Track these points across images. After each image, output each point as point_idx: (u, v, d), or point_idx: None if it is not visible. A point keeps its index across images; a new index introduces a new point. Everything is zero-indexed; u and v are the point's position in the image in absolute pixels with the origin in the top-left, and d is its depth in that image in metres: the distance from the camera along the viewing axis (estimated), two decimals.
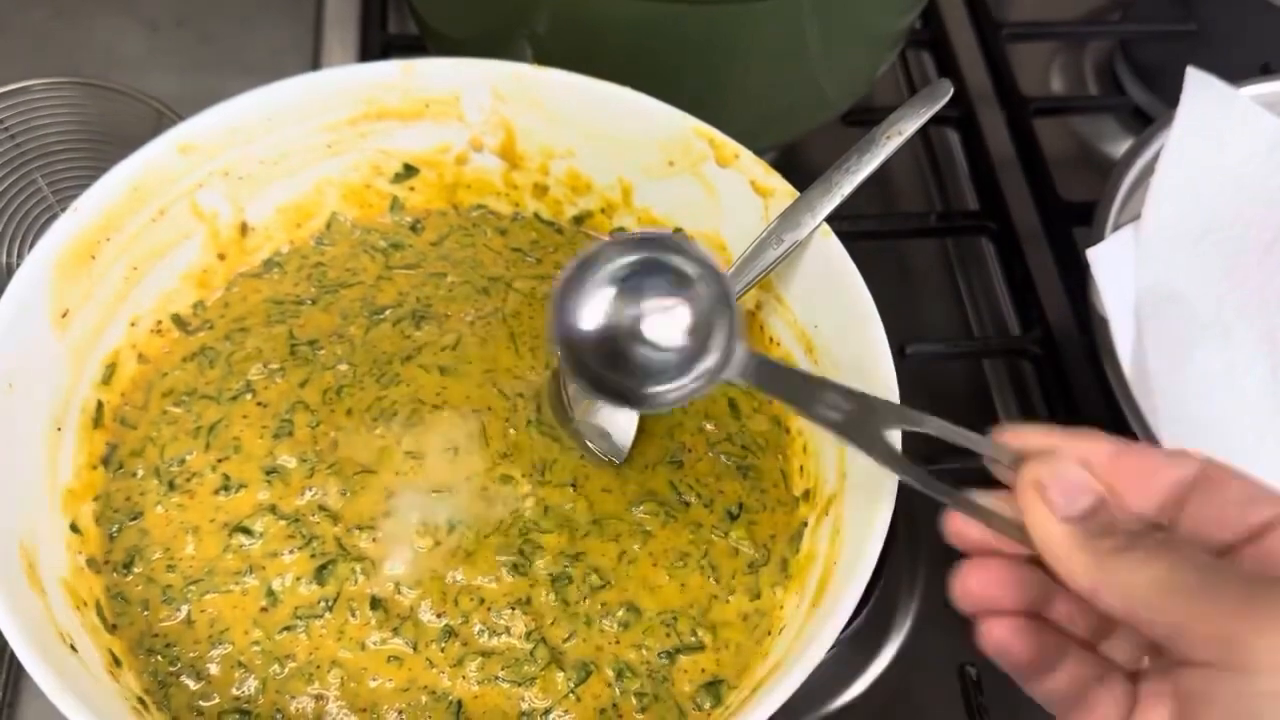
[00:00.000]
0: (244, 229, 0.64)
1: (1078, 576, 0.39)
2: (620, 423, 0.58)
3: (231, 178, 0.62)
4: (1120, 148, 0.91)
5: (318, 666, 0.52)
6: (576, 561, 0.55)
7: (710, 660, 0.54)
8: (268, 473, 0.57)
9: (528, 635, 0.53)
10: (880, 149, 0.58)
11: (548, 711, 0.52)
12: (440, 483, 0.57)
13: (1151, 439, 0.63)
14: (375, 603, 0.53)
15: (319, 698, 0.52)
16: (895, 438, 0.45)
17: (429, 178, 0.67)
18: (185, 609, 0.53)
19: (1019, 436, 0.42)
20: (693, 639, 0.54)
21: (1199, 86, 0.73)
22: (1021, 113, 0.87)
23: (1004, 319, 0.83)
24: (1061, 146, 0.93)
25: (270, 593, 0.54)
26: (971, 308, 0.85)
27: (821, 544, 0.54)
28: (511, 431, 0.59)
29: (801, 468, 0.59)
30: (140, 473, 0.57)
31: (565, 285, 0.46)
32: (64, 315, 0.56)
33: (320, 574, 0.54)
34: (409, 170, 0.66)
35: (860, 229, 0.78)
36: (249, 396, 0.59)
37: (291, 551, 0.55)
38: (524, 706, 0.52)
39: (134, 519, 0.56)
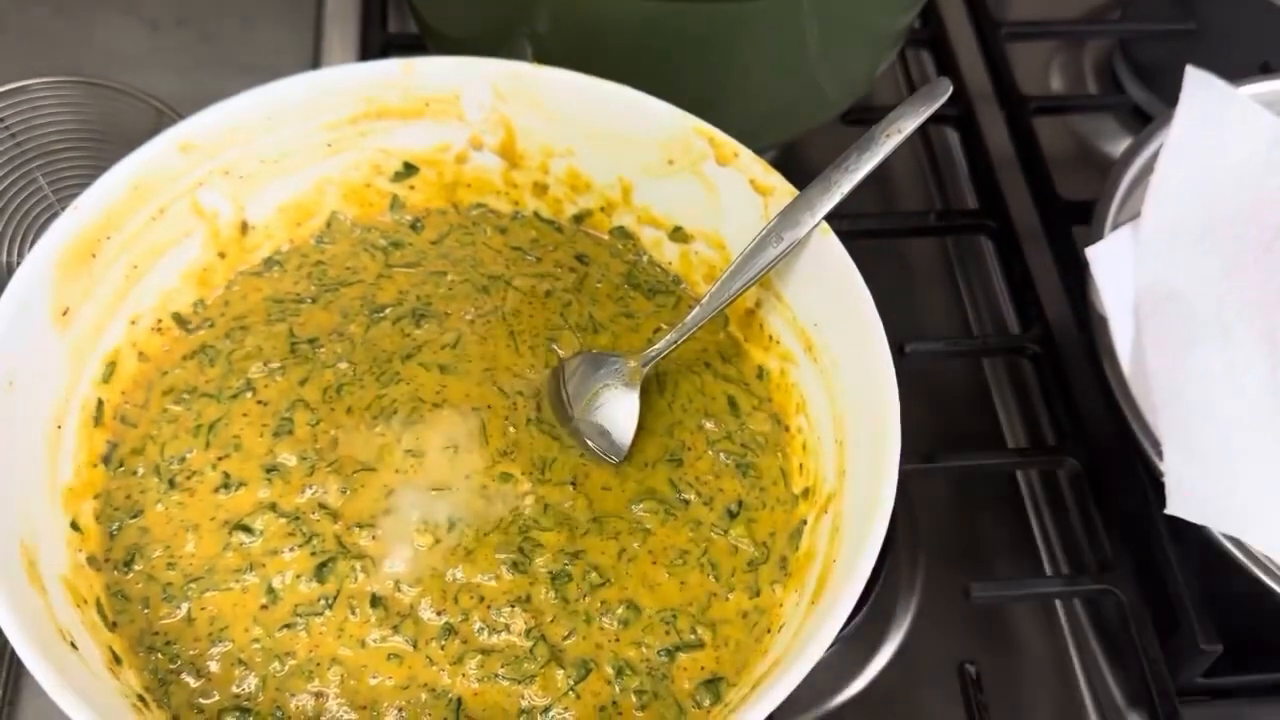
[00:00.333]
0: (244, 227, 0.64)
1: None
2: (620, 421, 0.59)
3: (232, 176, 0.62)
4: (1119, 146, 0.91)
5: (318, 664, 0.52)
6: (576, 559, 0.55)
7: (710, 658, 0.54)
8: (268, 471, 0.57)
9: (527, 633, 0.53)
10: (880, 148, 0.59)
11: (547, 709, 0.52)
12: (440, 481, 0.57)
13: (1151, 437, 0.63)
14: (375, 600, 0.53)
15: (319, 695, 0.52)
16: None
17: (429, 176, 0.67)
18: (185, 606, 0.54)
19: None
20: (692, 636, 0.54)
21: (1198, 85, 0.73)
22: (1021, 111, 0.87)
23: (1003, 317, 0.83)
24: (1061, 145, 0.93)
25: (270, 590, 0.54)
26: (971, 306, 0.85)
27: (821, 542, 0.54)
28: (511, 430, 0.59)
29: (801, 466, 0.59)
30: (140, 471, 0.57)
31: None
32: (64, 313, 0.56)
33: (320, 572, 0.54)
34: (409, 169, 0.66)
35: (860, 227, 0.78)
36: (249, 395, 0.59)
37: (291, 549, 0.55)
38: (524, 704, 0.52)
39: (134, 517, 0.56)
